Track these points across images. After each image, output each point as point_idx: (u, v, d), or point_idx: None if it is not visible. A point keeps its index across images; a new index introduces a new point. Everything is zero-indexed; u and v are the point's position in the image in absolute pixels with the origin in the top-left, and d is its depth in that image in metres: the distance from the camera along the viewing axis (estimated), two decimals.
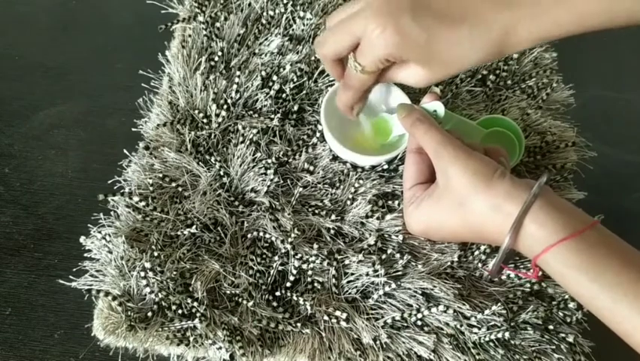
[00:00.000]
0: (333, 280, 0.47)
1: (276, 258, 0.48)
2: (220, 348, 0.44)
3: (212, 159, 0.52)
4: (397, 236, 0.49)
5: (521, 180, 0.41)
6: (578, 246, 0.37)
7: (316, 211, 0.50)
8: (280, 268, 0.48)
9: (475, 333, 0.46)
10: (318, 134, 0.54)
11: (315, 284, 0.47)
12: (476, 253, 0.49)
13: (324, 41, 0.45)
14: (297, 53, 0.58)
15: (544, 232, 0.38)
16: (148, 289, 0.45)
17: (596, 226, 0.39)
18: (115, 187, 0.51)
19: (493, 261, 0.47)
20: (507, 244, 0.40)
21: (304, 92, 0.56)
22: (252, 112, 0.55)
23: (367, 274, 0.47)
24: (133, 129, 0.55)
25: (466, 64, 0.43)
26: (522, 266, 0.49)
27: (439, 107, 0.48)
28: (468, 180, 0.41)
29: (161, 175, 0.51)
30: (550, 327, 0.47)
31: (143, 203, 0.49)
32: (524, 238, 0.40)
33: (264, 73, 0.56)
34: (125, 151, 0.52)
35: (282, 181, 0.52)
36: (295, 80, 0.56)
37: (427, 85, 0.45)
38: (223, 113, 0.54)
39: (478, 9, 0.41)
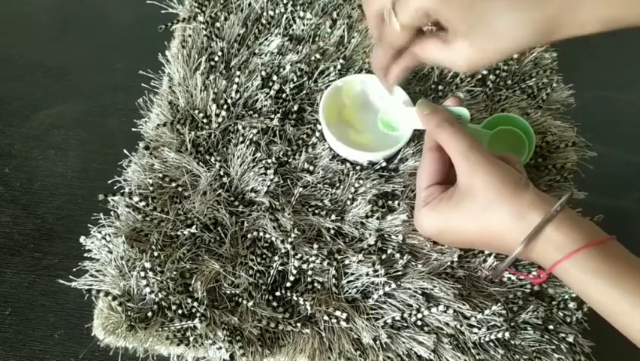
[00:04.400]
0: (333, 280, 0.47)
1: (276, 258, 0.48)
2: (220, 348, 0.44)
3: (212, 159, 0.52)
4: (397, 236, 0.49)
5: (543, 193, 0.42)
6: (599, 253, 0.38)
7: (316, 211, 0.50)
8: (280, 268, 0.48)
9: (475, 333, 0.46)
10: (317, 134, 0.54)
11: (315, 284, 0.47)
12: (477, 253, 0.49)
13: None
14: (297, 53, 0.58)
15: (566, 239, 0.39)
16: (148, 289, 0.45)
17: (613, 240, 0.40)
18: (115, 187, 0.51)
19: (498, 265, 0.47)
20: (520, 250, 0.40)
21: (304, 92, 0.56)
22: (252, 112, 0.55)
23: (367, 274, 0.47)
24: (133, 129, 0.55)
25: (510, 40, 0.38)
26: (524, 270, 0.49)
27: (464, 113, 0.48)
28: (494, 186, 0.41)
29: (161, 175, 0.51)
30: (550, 327, 0.47)
31: (143, 203, 0.49)
32: (543, 245, 0.40)
33: (264, 73, 0.56)
34: (125, 151, 0.52)
35: (282, 181, 0.52)
36: (295, 80, 0.56)
37: (467, 68, 0.41)
38: (223, 113, 0.54)
39: None
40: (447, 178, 0.47)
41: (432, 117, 0.46)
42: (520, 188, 0.41)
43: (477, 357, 0.45)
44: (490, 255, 0.49)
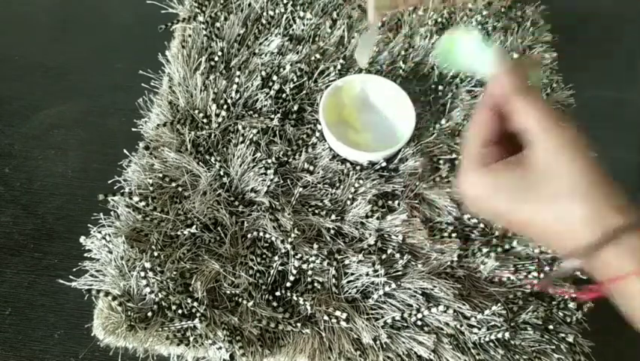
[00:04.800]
0: (333, 280, 0.47)
1: (276, 258, 0.47)
2: (220, 348, 0.44)
3: (212, 159, 0.52)
4: (397, 236, 0.49)
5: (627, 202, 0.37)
6: None
7: (316, 211, 0.50)
8: (280, 268, 0.48)
9: (475, 333, 0.46)
10: (317, 134, 0.54)
11: (315, 284, 0.47)
12: (476, 253, 0.49)
13: None
14: (297, 53, 0.58)
15: None
16: (148, 289, 0.45)
17: None
18: (115, 187, 0.51)
19: (549, 272, 0.45)
20: (578, 262, 0.36)
21: (304, 92, 0.56)
22: (252, 112, 0.55)
23: (367, 274, 0.47)
24: (133, 129, 0.55)
25: None
26: (523, 269, 0.49)
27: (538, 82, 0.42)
28: (584, 176, 0.37)
29: (161, 175, 0.51)
30: (550, 327, 0.47)
31: (143, 203, 0.49)
32: (616, 252, 0.35)
33: (264, 73, 0.56)
34: (125, 151, 0.52)
35: (282, 181, 0.52)
36: (295, 80, 0.56)
37: None
38: (223, 113, 0.54)
39: None
40: (500, 141, 0.41)
41: (514, 78, 0.40)
42: (609, 188, 0.37)
43: (477, 357, 0.45)
44: (489, 255, 0.49)
